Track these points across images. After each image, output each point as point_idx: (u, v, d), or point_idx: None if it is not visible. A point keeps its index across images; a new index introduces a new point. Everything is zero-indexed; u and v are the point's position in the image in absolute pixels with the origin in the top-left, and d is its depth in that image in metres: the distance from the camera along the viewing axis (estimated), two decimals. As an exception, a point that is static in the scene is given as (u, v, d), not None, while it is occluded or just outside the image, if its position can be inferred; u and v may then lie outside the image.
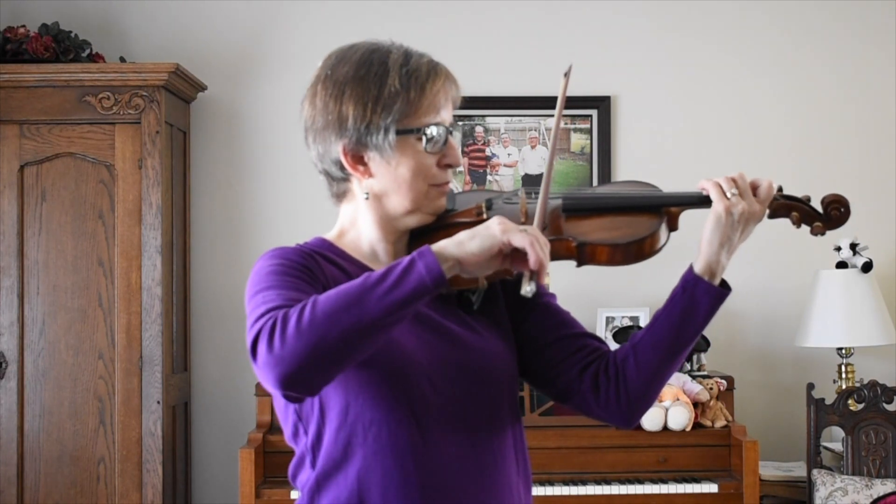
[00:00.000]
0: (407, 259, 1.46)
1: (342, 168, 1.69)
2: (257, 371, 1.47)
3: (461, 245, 1.47)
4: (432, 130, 1.66)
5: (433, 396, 1.62)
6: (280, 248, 1.69)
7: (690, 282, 1.68)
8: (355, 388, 1.61)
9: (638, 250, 1.67)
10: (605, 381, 1.73)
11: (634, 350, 1.72)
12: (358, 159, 1.67)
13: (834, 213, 1.73)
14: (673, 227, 1.73)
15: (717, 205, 1.67)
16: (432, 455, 1.62)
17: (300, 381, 1.45)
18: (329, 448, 1.63)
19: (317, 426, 1.64)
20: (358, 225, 1.73)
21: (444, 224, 1.72)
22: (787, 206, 1.73)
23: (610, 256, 1.66)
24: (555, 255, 1.66)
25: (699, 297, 1.68)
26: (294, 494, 3.75)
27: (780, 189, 1.73)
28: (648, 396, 1.73)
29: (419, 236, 1.73)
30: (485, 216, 1.71)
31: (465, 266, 1.48)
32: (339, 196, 1.75)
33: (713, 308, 1.68)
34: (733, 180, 1.68)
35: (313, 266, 1.64)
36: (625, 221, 1.69)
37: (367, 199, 1.69)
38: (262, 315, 1.49)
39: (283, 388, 1.45)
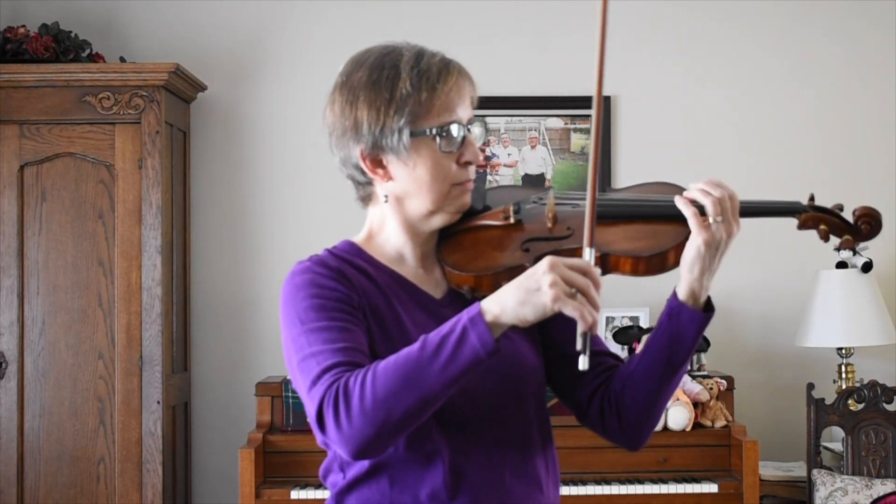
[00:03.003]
0: (460, 327, 1.47)
1: (363, 172, 1.69)
2: (327, 441, 1.54)
3: (515, 313, 1.47)
4: (446, 130, 1.65)
5: (464, 402, 1.63)
6: (311, 265, 1.66)
7: (675, 309, 1.65)
8: None
9: (661, 262, 1.63)
10: (608, 409, 1.75)
11: (631, 379, 1.71)
12: (377, 163, 1.68)
13: (864, 226, 1.69)
14: None
15: (698, 237, 1.59)
16: (462, 458, 1.63)
17: (371, 452, 1.52)
18: None
19: None
20: (385, 228, 1.74)
21: (472, 226, 1.71)
22: (817, 219, 1.67)
23: (633, 268, 1.63)
24: None
25: (684, 323, 1.65)
26: (294, 494, 3.75)
27: (811, 198, 1.67)
28: (649, 422, 1.74)
29: (447, 236, 1.73)
30: (512, 220, 1.70)
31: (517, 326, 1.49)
32: (365, 199, 1.75)
33: (699, 332, 1.66)
34: (718, 202, 1.59)
35: (346, 286, 1.63)
36: (650, 231, 1.65)
37: (385, 201, 1.70)
38: (319, 377, 1.52)
39: (356, 459, 1.56)
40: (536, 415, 1.71)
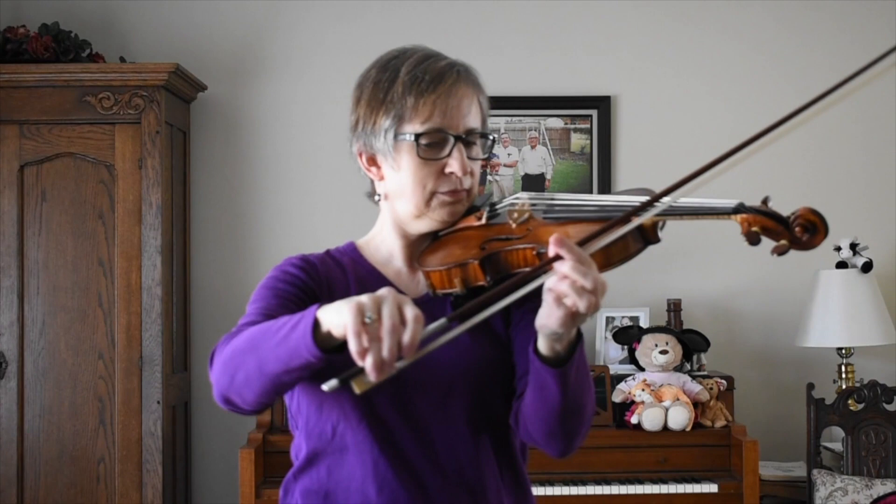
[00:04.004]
0: (300, 314, 1.43)
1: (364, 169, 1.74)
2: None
3: (329, 316, 1.38)
4: (426, 136, 1.65)
5: (393, 394, 1.64)
6: (290, 258, 1.74)
7: (531, 358, 1.54)
8: (323, 391, 1.64)
9: (601, 259, 1.51)
10: (521, 418, 1.66)
11: (525, 411, 1.62)
12: (371, 161, 1.71)
13: (798, 229, 1.45)
14: (647, 238, 1.55)
15: (548, 316, 1.44)
16: (391, 457, 1.64)
17: (229, 402, 1.56)
18: (306, 443, 1.71)
19: (302, 423, 1.73)
20: (385, 227, 1.77)
21: (456, 229, 1.71)
22: (752, 220, 1.47)
23: None
24: (519, 265, 1.60)
25: (541, 372, 1.54)
26: (294, 494, 3.75)
27: (764, 201, 1.49)
28: (566, 444, 1.63)
29: (436, 238, 1.73)
30: (483, 220, 1.68)
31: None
32: (372, 195, 1.78)
33: (561, 381, 1.53)
34: (577, 285, 1.40)
35: (308, 274, 1.69)
36: (590, 229, 1.54)
37: (378, 200, 1.74)
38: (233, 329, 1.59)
39: (221, 405, 1.58)
40: (483, 425, 1.67)
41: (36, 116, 4.02)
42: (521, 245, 1.60)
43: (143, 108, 4.02)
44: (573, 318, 1.43)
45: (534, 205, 1.67)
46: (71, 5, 4.44)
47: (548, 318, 1.45)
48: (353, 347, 1.31)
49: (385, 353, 1.30)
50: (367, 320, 1.31)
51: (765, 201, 1.48)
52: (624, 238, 1.51)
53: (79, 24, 4.39)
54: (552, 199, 1.67)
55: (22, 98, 4.02)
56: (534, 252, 1.58)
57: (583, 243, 1.47)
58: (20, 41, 4.09)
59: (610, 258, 1.53)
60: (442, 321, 1.37)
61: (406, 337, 1.31)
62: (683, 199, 1.53)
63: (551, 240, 1.41)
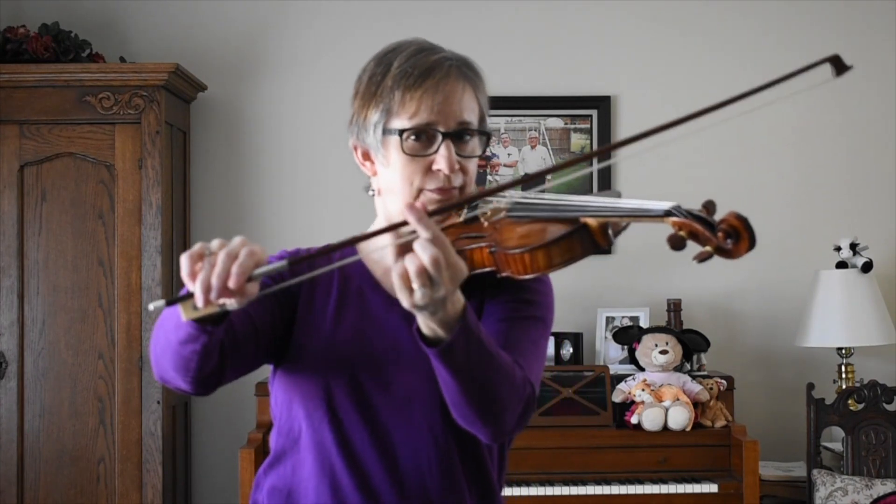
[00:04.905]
0: None
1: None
2: None
3: None
4: (411, 132, 1.62)
5: (354, 395, 1.63)
6: (291, 249, 1.74)
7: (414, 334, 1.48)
8: (293, 387, 1.66)
9: (537, 258, 1.48)
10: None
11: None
12: (366, 156, 1.70)
13: (720, 234, 1.36)
14: (595, 241, 1.49)
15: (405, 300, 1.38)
16: (348, 457, 1.63)
17: (162, 379, 1.59)
18: (277, 439, 1.71)
19: (276, 418, 1.73)
20: (379, 223, 1.74)
21: (443, 227, 1.66)
22: (681, 224, 1.39)
23: (519, 263, 1.50)
24: (477, 264, 1.56)
25: (428, 352, 1.47)
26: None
27: (706, 205, 1.40)
28: (492, 429, 1.54)
29: None
30: (461, 219, 1.63)
31: None
32: (368, 189, 1.77)
33: (443, 364, 1.45)
34: (416, 262, 1.35)
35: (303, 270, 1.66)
36: (539, 228, 1.52)
37: (371, 194, 1.72)
38: None
39: (158, 380, 1.62)
40: (450, 432, 1.63)
41: (36, 116, 4.02)
42: (482, 244, 1.55)
43: (143, 108, 4.02)
44: (407, 288, 1.37)
45: (509, 203, 1.63)
46: (71, 5, 4.44)
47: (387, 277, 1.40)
48: (183, 268, 1.34)
49: (214, 277, 1.32)
50: (206, 252, 1.35)
51: (707, 206, 1.39)
52: (569, 239, 1.47)
53: (79, 24, 4.39)
54: (520, 198, 1.63)
55: (22, 98, 4.02)
56: (489, 250, 1.54)
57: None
58: (20, 41, 4.09)
59: (552, 259, 1.49)
60: (282, 262, 1.38)
61: (236, 265, 1.32)
62: (618, 201, 1.50)
63: (405, 206, 1.38)
